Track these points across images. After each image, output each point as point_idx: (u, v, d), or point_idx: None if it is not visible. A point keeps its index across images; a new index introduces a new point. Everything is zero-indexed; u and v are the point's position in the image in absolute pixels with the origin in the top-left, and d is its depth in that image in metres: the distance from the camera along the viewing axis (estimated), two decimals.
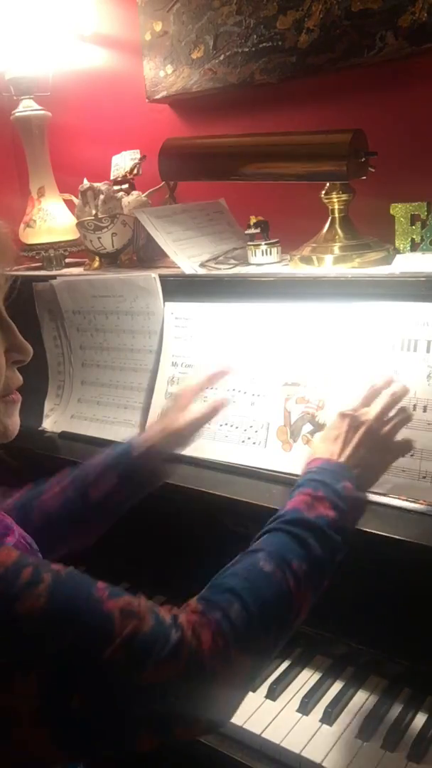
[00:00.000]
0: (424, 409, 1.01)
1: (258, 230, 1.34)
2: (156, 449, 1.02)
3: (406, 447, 0.93)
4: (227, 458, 1.18)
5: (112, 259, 1.56)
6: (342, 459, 0.87)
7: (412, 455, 1.00)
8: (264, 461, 1.16)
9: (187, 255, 1.32)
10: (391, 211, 1.22)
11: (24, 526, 0.94)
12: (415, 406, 1.02)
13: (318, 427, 1.12)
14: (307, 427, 1.13)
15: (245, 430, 1.18)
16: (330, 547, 0.78)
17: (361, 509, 0.85)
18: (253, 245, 1.32)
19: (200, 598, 0.72)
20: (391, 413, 0.92)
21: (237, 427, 1.18)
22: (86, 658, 0.61)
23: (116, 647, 0.61)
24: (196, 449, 1.10)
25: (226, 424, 1.20)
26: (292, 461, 1.13)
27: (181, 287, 1.30)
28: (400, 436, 0.92)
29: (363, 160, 1.21)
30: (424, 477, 1.00)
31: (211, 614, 0.68)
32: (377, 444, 0.90)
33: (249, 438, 1.18)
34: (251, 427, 1.18)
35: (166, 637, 0.64)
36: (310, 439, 1.12)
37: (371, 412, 0.90)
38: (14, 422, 0.76)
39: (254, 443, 1.17)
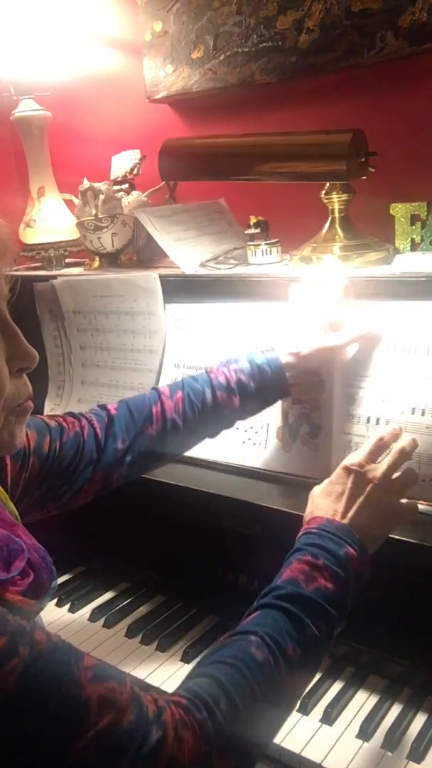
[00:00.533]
0: (423, 413, 1.01)
1: (258, 230, 1.34)
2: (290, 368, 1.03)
3: (412, 509, 0.88)
4: (228, 459, 1.18)
5: (112, 259, 1.56)
6: (345, 520, 0.81)
7: (410, 459, 0.99)
8: (264, 461, 1.16)
9: (187, 255, 1.32)
10: (391, 211, 1.22)
11: (127, 430, 0.97)
12: (413, 410, 1.02)
13: (314, 428, 1.12)
14: (305, 428, 1.13)
15: (246, 431, 1.18)
16: (328, 624, 0.74)
17: (364, 576, 0.80)
18: (253, 245, 1.32)
19: (186, 689, 0.65)
20: (399, 472, 0.87)
21: (237, 428, 1.18)
22: (51, 750, 0.54)
23: (88, 741, 0.55)
24: (198, 449, 1.10)
25: None
26: (292, 461, 1.13)
27: (181, 287, 1.30)
28: (405, 498, 0.87)
29: (363, 160, 1.21)
30: (423, 480, 0.99)
31: (196, 713, 0.62)
32: (383, 505, 0.84)
33: (249, 439, 1.18)
34: (251, 427, 1.18)
35: (145, 735, 0.58)
36: (309, 440, 1.12)
37: (379, 470, 0.85)
38: (22, 435, 0.71)
39: (255, 444, 1.17)
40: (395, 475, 0.86)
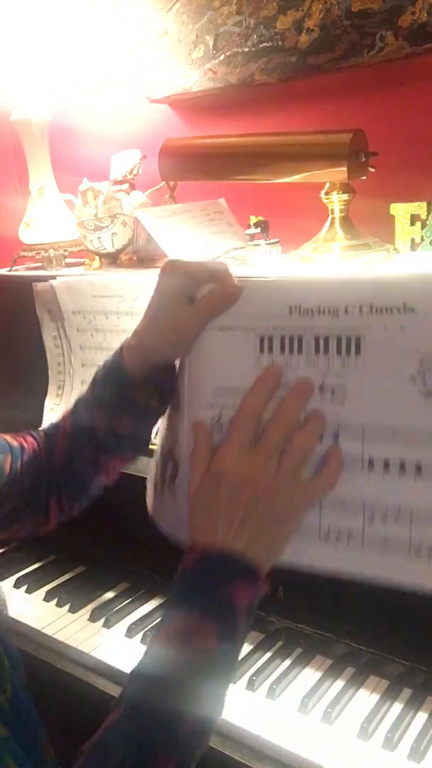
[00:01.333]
0: (332, 393, 0.67)
1: (258, 230, 1.34)
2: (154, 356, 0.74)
3: (326, 483, 0.64)
4: None
5: (112, 259, 1.56)
6: (227, 542, 0.63)
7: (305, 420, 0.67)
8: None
9: (187, 255, 1.32)
10: (391, 211, 1.22)
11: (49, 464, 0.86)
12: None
13: (174, 467, 0.79)
14: (169, 467, 0.83)
15: None
16: (216, 686, 0.62)
17: (260, 598, 0.65)
18: (253, 245, 1.32)
19: None
20: (288, 436, 0.63)
21: None
22: None
23: None
24: None
25: None
26: (160, 515, 0.91)
27: None
28: (311, 464, 0.64)
29: (363, 160, 1.21)
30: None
31: None
32: (277, 501, 0.63)
33: None
34: None
35: None
36: (171, 485, 0.80)
37: (256, 461, 0.63)
38: None
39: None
40: (282, 442, 0.64)
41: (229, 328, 0.69)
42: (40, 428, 0.94)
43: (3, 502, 0.86)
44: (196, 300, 0.69)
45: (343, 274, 0.72)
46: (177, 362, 0.75)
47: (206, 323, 0.68)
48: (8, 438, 0.90)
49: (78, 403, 0.83)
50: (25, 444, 0.90)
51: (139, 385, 0.75)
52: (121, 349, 0.76)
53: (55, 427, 0.88)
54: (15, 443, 0.89)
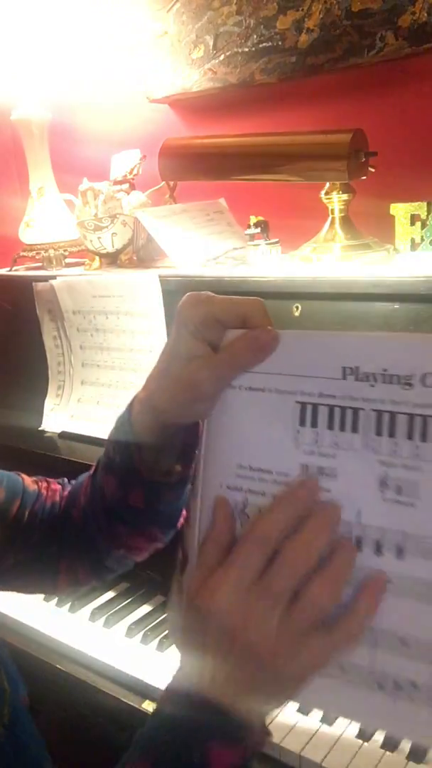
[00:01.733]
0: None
1: (258, 230, 1.34)
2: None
3: (352, 630, 0.49)
4: None
5: (112, 259, 1.56)
6: (212, 689, 0.50)
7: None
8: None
9: (187, 255, 1.32)
10: (391, 211, 1.22)
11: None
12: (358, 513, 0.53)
13: (184, 554, 0.74)
14: (179, 556, 0.88)
15: None
16: None
17: (247, 761, 0.51)
18: (253, 245, 1.32)
19: None
20: (302, 579, 0.49)
21: None
22: None
23: None
24: None
25: None
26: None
27: (180, 287, 1.30)
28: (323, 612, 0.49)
29: (363, 160, 1.21)
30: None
31: None
32: (276, 656, 0.49)
33: None
34: None
35: None
36: (179, 579, 0.68)
37: (257, 601, 0.49)
38: None
39: None
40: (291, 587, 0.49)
41: (261, 389, 0.53)
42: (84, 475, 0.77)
43: (3, 553, 0.74)
44: (221, 347, 0.54)
45: (422, 333, 0.53)
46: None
47: (231, 379, 0.54)
48: (27, 480, 0.78)
49: (99, 460, 0.70)
50: (45, 492, 0.77)
51: (150, 449, 0.61)
52: (132, 402, 0.62)
53: (81, 481, 0.75)
54: (32, 488, 0.77)
